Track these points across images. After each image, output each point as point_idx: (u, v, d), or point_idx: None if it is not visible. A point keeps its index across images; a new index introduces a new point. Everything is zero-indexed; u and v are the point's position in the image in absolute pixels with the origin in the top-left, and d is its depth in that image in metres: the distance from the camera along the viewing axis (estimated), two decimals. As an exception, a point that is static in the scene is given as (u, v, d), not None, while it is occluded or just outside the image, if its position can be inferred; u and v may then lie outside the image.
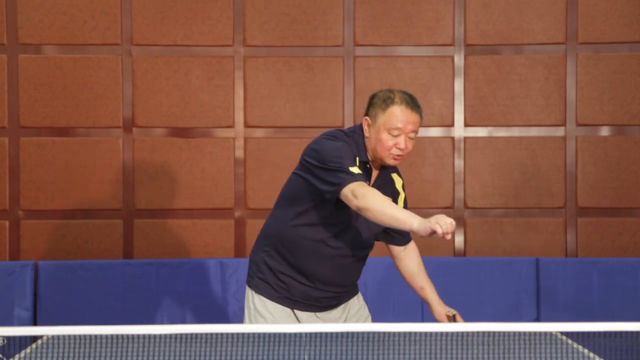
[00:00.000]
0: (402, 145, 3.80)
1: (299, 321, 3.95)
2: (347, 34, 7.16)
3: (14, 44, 7.09)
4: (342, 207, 3.77)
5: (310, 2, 7.17)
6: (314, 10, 7.17)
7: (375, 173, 3.94)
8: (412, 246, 4.23)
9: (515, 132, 7.22)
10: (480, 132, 7.23)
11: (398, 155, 3.82)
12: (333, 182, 3.71)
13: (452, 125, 7.22)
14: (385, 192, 3.81)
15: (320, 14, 7.17)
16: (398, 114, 3.78)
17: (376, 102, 3.83)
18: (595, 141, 7.22)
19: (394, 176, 4.00)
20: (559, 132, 7.23)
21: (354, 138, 3.86)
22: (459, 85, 7.22)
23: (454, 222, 3.45)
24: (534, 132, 7.22)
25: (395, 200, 3.95)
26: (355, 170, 3.71)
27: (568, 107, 7.22)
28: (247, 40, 7.17)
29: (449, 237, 3.46)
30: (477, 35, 7.21)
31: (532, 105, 7.22)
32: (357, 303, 4.10)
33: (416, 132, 3.82)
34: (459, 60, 7.22)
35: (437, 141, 7.22)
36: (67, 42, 7.11)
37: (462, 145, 7.21)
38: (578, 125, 7.22)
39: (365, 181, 3.73)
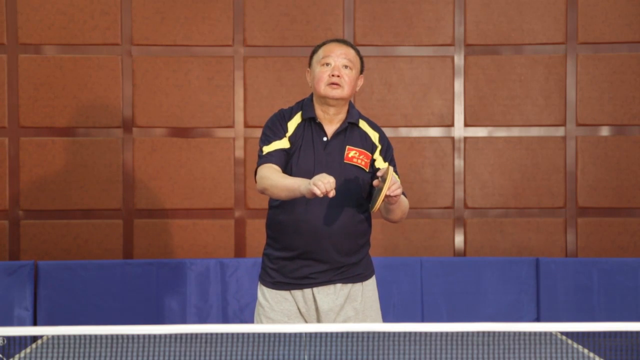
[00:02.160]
0: (335, 72, 3.95)
1: (296, 301, 3.98)
2: (347, 34, 7.16)
3: (14, 44, 7.09)
4: (302, 171, 3.91)
5: (310, 2, 7.17)
6: (314, 10, 7.18)
7: (331, 127, 4.01)
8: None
9: (515, 132, 7.23)
10: (480, 132, 7.23)
11: (333, 84, 3.95)
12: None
13: (452, 125, 7.23)
14: (351, 144, 3.96)
15: (320, 14, 7.17)
16: (328, 48, 4.01)
17: (313, 52, 4.07)
18: (595, 141, 7.22)
19: (367, 130, 4.07)
20: (559, 132, 7.23)
21: (301, 102, 4.07)
22: (459, 85, 7.22)
23: (331, 180, 3.60)
24: (534, 132, 7.22)
25: (372, 153, 4.00)
26: (267, 149, 3.94)
27: (568, 107, 7.22)
28: (247, 40, 7.17)
29: (331, 194, 3.62)
30: (477, 35, 7.21)
31: (532, 105, 7.22)
32: (359, 296, 4.04)
33: (352, 62, 3.99)
34: (459, 60, 7.22)
35: (437, 141, 7.22)
36: (67, 42, 7.11)
37: (462, 145, 7.21)
38: (578, 125, 7.22)
39: (280, 155, 3.91)
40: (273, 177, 3.85)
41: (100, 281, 6.78)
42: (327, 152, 3.96)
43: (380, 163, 4.01)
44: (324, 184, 3.60)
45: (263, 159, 3.95)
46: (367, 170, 3.98)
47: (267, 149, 3.96)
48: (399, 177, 4.03)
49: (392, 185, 3.69)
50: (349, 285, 4.01)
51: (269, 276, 4.02)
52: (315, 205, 3.88)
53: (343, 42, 4.04)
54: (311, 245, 3.91)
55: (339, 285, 4.00)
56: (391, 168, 3.73)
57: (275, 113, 4.08)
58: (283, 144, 3.97)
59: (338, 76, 3.94)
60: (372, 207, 3.76)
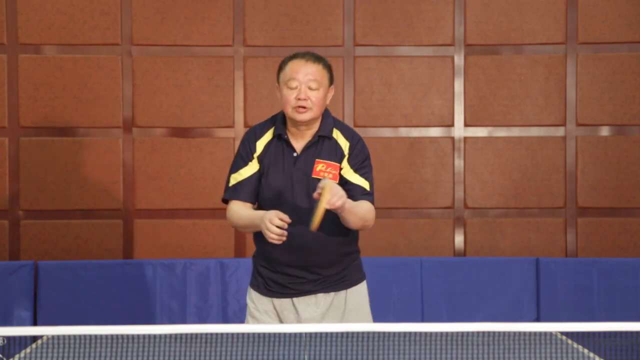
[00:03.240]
0: (302, 95, 3.87)
1: (276, 310, 3.98)
2: (347, 34, 7.17)
3: (14, 44, 7.09)
4: (273, 189, 3.91)
5: (310, 2, 7.17)
6: (314, 10, 7.18)
7: (301, 142, 3.95)
8: (362, 201, 3.95)
9: (515, 132, 7.23)
10: (480, 132, 7.23)
11: (300, 107, 3.88)
12: None
13: (452, 125, 7.23)
14: (321, 157, 3.91)
15: (320, 14, 7.17)
16: (293, 67, 3.90)
17: (279, 67, 3.97)
18: (595, 141, 7.22)
19: (340, 139, 3.98)
20: (559, 132, 7.23)
21: (274, 118, 4.03)
22: (459, 85, 7.22)
23: (271, 227, 3.67)
24: (534, 132, 7.22)
25: (339, 162, 3.93)
26: (233, 179, 3.95)
27: (568, 107, 7.22)
28: (247, 40, 7.17)
29: (282, 239, 3.69)
30: (477, 35, 7.21)
31: (532, 105, 7.22)
32: (343, 304, 3.98)
33: (318, 81, 3.89)
34: (459, 60, 7.22)
35: (437, 141, 7.22)
36: (67, 42, 7.11)
37: (462, 145, 7.21)
38: (578, 125, 7.22)
39: (247, 185, 3.93)
40: (234, 216, 3.93)
41: (100, 281, 6.78)
42: (297, 167, 3.91)
43: (346, 170, 3.93)
44: (269, 233, 3.67)
45: (229, 193, 3.95)
46: (337, 182, 3.87)
47: (233, 180, 3.95)
48: (368, 182, 3.94)
49: (331, 198, 3.62)
50: (332, 294, 3.96)
51: (255, 280, 4.03)
52: (292, 218, 3.82)
53: (309, 58, 3.92)
54: (288, 257, 3.89)
55: (320, 295, 3.96)
56: (328, 181, 3.65)
57: (247, 131, 4.05)
58: (251, 169, 3.94)
59: (305, 99, 3.86)
60: (311, 224, 3.66)
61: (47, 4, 7.09)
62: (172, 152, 7.15)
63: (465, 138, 7.22)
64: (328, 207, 3.64)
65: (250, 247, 7.13)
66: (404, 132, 7.21)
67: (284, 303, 3.96)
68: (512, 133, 7.23)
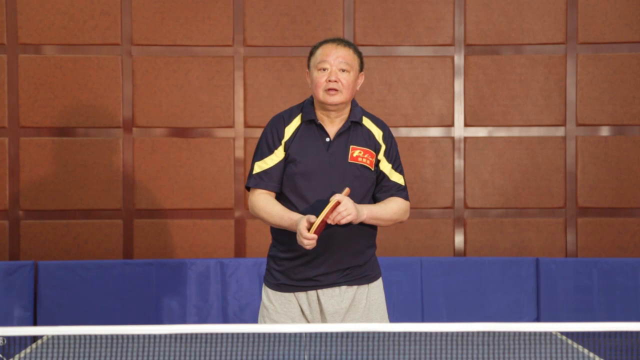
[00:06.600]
0: (332, 77, 3.90)
1: (299, 305, 3.97)
2: (347, 34, 7.17)
3: (14, 44, 7.10)
4: (305, 174, 3.91)
5: (310, 2, 7.18)
6: (314, 10, 7.18)
7: (332, 128, 3.98)
8: (394, 199, 4.06)
9: (515, 132, 7.23)
10: (480, 132, 7.23)
11: (331, 89, 3.91)
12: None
13: (452, 125, 7.23)
14: (355, 144, 3.94)
15: (320, 14, 7.18)
16: (324, 51, 3.94)
17: (310, 53, 4.01)
18: (595, 141, 7.22)
19: (371, 127, 4.03)
20: (559, 132, 7.23)
21: (302, 104, 4.03)
22: (459, 85, 7.22)
23: (306, 241, 3.73)
24: (534, 132, 7.23)
25: (376, 153, 3.98)
26: (258, 167, 3.96)
27: (568, 107, 7.23)
28: (247, 40, 7.17)
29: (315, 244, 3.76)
30: (477, 35, 7.21)
31: (532, 105, 7.22)
32: (364, 299, 4.00)
33: (349, 64, 3.93)
34: (459, 60, 7.22)
35: (437, 141, 7.22)
36: (67, 42, 7.11)
37: (462, 145, 7.22)
38: (578, 125, 7.23)
39: (273, 174, 3.93)
40: (259, 206, 3.93)
41: (100, 281, 6.78)
42: (330, 152, 3.93)
43: (384, 164, 3.99)
44: (302, 243, 3.74)
45: (253, 181, 3.96)
46: (373, 169, 3.96)
47: (258, 168, 3.96)
48: (402, 175, 4.02)
49: (336, 216, 3.74)
50: (354, 287, 3.98)
51: (273, 278, 3.99)
52: (319, 205, 3.85)
53: (340, 42, 3.96)
54: (316, 247, 3.88)
55: (344, 288, 3.97)
56: (341, 197, 3.75)
57: (273, 117, 4.04)
58: (276, 157, 3.95)
59: (335, 81, 3.90)
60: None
61: (47, 4, 7.09)
62: (172, 152, 7.15)
63: (465, 138, 7.22)
64: (330, 222, 3.73)
65: (250, 247, 7.14)
66: (404, 132, 7.21)
67: (309, 296, 3.96)
68: (512, 133, 7.23)
